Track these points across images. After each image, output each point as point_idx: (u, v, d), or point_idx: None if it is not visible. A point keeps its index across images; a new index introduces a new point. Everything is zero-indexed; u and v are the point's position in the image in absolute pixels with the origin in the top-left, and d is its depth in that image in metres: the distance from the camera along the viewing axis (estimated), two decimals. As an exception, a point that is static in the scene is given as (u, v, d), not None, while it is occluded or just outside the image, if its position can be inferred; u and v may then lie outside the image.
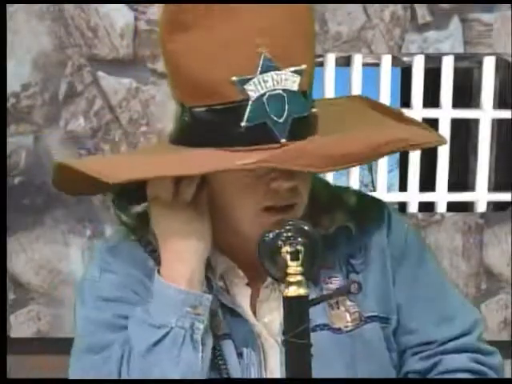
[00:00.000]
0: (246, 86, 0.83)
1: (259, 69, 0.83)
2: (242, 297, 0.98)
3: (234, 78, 0.83)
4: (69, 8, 2.15)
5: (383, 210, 1.04)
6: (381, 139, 0.87)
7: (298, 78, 0.85)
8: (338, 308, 0.98)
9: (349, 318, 0.98)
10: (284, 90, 0.85)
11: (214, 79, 0.84)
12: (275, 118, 0.84)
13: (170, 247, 0.92)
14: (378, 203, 1.06)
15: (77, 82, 2.19)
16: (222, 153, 0.85)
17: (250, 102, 0.84)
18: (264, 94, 0.84)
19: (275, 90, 0.84)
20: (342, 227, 0.98)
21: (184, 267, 0.91)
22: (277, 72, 0.84)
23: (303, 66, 0.86)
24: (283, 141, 0.85)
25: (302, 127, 0.86)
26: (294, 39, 0.86)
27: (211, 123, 0.86)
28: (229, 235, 0.95)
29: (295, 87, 0.85)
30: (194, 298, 0.90)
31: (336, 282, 0.98)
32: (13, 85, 2.17)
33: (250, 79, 0.83)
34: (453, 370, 1.01)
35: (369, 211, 1.03)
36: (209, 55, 0.84)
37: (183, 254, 0.91)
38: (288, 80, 0.85)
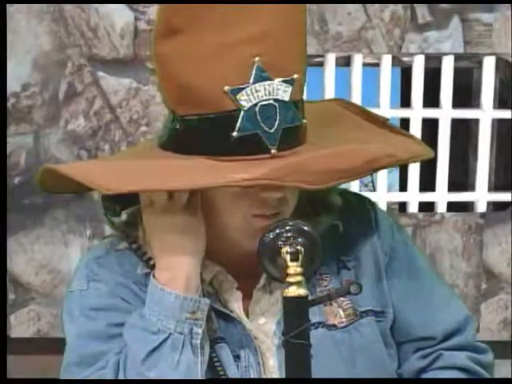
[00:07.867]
0: (238, 96, 0.83)
1: (252, 78, 0.83)
2: (234, 301, 0.97)
3: (226, 88, 0.82)
4: (69, 8, 2.15)
5: (368, 205, 1.05)
6: (372, 155, 0.87)
7: (289, 88, 0.85)
8: (331, 304, 0.98)
9: (342, 314, 0.98)
10: (276, 100, 0.84)
11: (206, 88, 0.83)
12: (266, 128, 0.84)
13: (165, 252, 0.91)
14: (363, 199, 1.06)
15: (77, 82, 2.18)
16: (214, 163, 0.85)
17: (242, 112, 0.83)
18: (256, 103, 0.83)
19: (267, 99, 0.84)
20: (329, 226, 0.98)
21: (180, 272, 0.90)
22: (269, 82, 0.83)
23: (295, 76, 0.85)
24: (273, 151, 0.85)
25: (292, 137, 0.86)
26: (287, 48, 0.85)
27: (202, 131, 0.86)
28: (217, 240, 0.94)
29: (287, 97, 0.85)
30: (192, 303, 0.89)
31: (328, 279, 0.99)
32: (13, 85, 2.16)
33: (243, 89, 0.83)
34: (451, 366, 1.02)
35: (354, 208, 1.03)
36: (200, 62, 0.83)
37: (179, 258, 0.90)
38: (280, 90, 0.84)
